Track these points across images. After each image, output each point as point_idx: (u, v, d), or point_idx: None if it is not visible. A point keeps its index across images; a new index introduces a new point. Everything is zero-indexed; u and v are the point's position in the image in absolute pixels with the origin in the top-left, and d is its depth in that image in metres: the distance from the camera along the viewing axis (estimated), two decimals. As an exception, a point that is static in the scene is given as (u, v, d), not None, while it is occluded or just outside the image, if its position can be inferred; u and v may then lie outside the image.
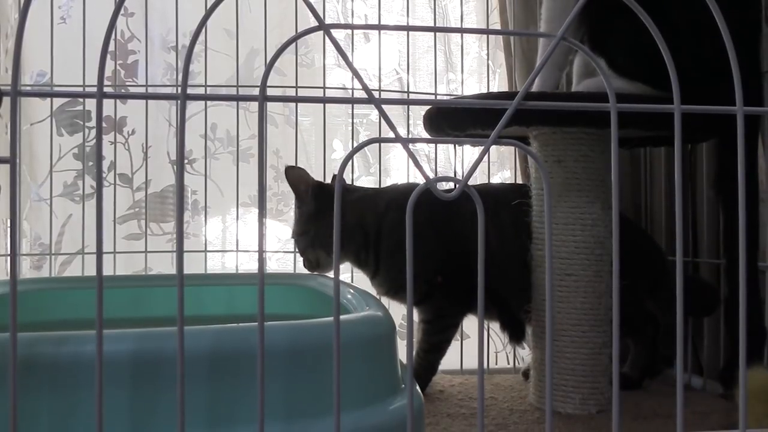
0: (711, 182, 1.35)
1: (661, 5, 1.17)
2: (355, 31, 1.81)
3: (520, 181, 1.78)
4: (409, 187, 1.43)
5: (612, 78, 1.26)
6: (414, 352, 1.36)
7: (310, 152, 1.82)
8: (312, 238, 1.40)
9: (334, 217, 0.47)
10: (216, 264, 1.77)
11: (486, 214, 0.47)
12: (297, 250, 1.48)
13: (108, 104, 1.72)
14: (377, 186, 1.66)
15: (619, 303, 0.48)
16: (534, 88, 1.36)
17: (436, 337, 1.39)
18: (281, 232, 1.79)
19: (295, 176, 1.40)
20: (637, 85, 1.25)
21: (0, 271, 1.67)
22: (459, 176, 1.74)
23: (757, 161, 1.19)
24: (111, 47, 1.74)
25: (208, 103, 1.72)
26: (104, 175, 1.73)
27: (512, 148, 1.76)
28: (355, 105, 1.77)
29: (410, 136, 1.74)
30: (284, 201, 1.83)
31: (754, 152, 1.18)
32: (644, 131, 1.33)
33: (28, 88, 1.80)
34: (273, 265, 1.73)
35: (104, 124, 1.72)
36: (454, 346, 1.68)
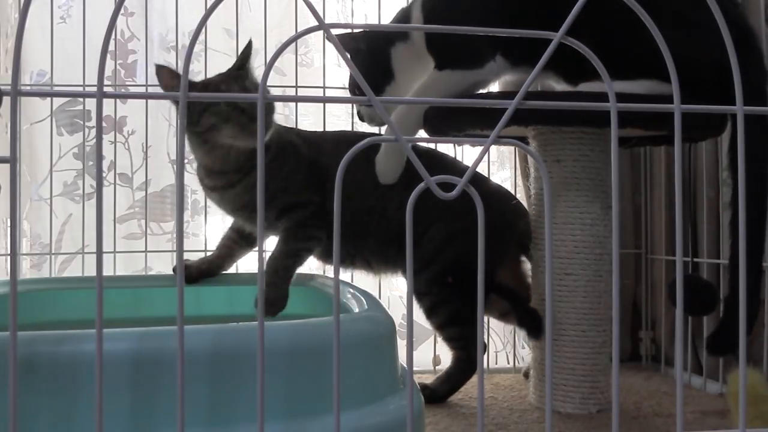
0: (728, 162, 1.32)
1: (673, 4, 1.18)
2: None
3: (519, 181, 1.78)
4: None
5: (617, 82, 1.25)
6: (269, 257, 1.32)
7: (310, 152, 1.81)
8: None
9: (334, 215, 0.47)
10: (216, 264, 1.77)
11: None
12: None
13: (108, 104, 1.72)
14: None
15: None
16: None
17: (297, 244, 1.32)
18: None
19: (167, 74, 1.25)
20: (643, 83, 1.24)
21: (0, 270, 1.67)
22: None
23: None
24: (111, 47, 1.74)
25: (208, 102, 1.72)
26: (104, 174, 1.73)
27: (512, 147, 1.76)
28: (355, 105, 1.77)
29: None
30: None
31: (766, 141, 1.18)
32: (645, 130, 1.33)
33: (28, 87, 1.80)
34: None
35: (104, 124, 1.72)
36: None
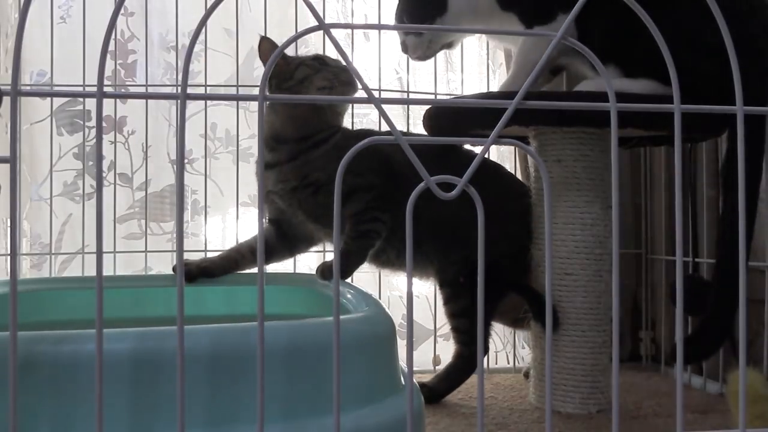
0: (720, 168, 1.33)
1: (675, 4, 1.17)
2: (355, 31, 1.81)
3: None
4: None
5: (621, 80, 1.25)
6: (343, 242, 1.35)
7: (310, 152, 1.81)
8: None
9: (334, 220, 0.47)
10: (216, 264, 1.76)
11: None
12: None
13: (108, 104, 1.71)
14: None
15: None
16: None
17: (365, 225, 1.36)
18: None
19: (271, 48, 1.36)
20: (644, 83, 1.24)
21: (0, 270, 1.67)
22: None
23: (762, 157, 1.18)
24: (111, 47, 1.74)
25: (208, 102, 1.72)
26: (104, 174, 1.73)
27: (512, 147, 1.76)
28: (355, 105, 1.77)
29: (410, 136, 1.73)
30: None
31: (761, 148, 1.18)
32: (645, 131, 1.33)
33: (28, 87, 1.80)
34: (273, 266, 1.73)
35: (104, 124, 1.72)
36: (453, 346, 1.68)
